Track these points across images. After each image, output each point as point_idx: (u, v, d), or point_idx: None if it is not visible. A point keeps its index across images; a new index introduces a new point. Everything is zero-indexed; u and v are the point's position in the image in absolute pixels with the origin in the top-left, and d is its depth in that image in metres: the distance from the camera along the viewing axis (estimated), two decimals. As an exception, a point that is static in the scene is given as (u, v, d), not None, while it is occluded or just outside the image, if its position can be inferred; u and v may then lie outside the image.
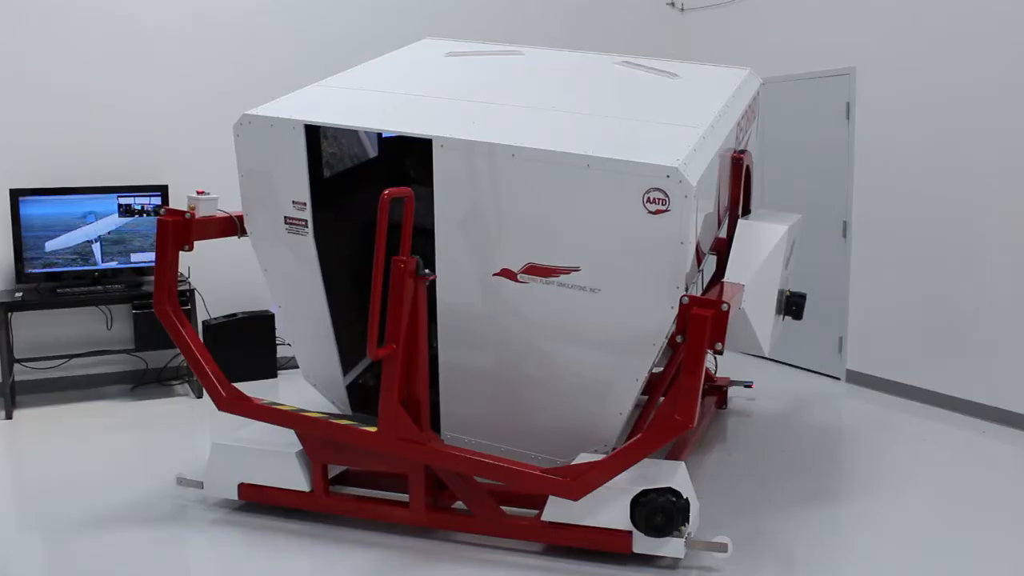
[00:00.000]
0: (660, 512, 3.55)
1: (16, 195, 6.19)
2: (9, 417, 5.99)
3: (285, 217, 4.30)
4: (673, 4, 8.22)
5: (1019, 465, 4.84)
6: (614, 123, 4.06)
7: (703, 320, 3.38)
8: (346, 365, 4.76)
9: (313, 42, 7.16)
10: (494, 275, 3.92)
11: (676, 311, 3.60)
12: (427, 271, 3.78)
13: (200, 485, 4.43)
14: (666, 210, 3.55)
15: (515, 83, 4.65)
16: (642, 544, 3.62)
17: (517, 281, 3.88)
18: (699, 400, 3.44)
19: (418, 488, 3.95)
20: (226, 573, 3.72)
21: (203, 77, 6.86)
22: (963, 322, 5.76)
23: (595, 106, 4.33)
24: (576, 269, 3.77)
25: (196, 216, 4.32)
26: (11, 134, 6.37)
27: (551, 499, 3.73)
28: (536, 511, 3.85)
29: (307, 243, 4.32)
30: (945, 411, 5.86)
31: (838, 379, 6.71)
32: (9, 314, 6.19)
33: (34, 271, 6.27)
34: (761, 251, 4.27)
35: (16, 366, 6.41)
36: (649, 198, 3.56)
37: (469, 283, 3.98)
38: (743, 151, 4.80)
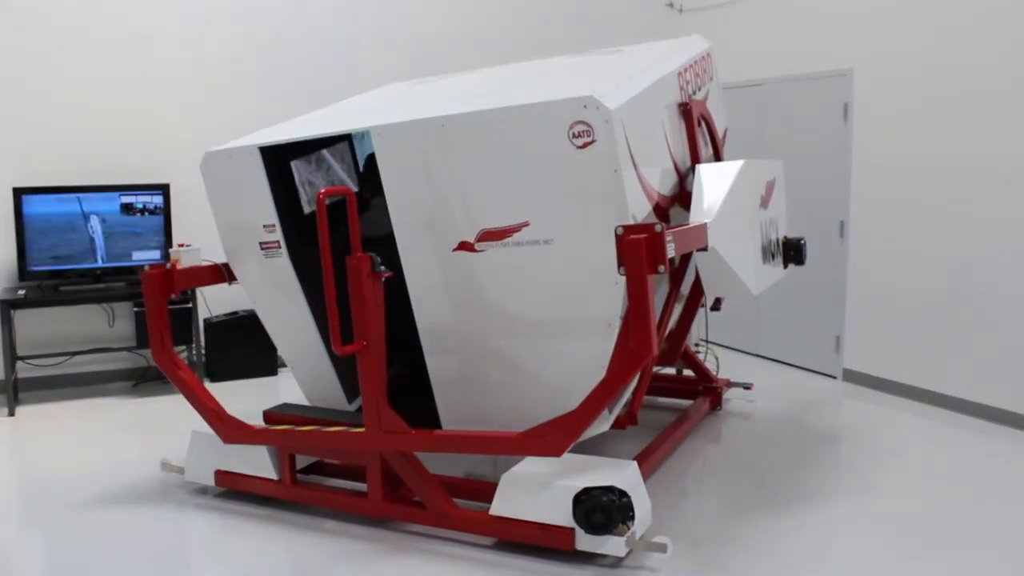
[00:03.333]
0: (599, 510, 3.56)
1: (19, 193, 6.23)
2: (12, 414, 6.04)
3: (260, 243, 4.47)
4: (672, 5, 8.24)
5: (1016, 465, 4.85)
6: (539, 87, 4.16)
7: (638, 244, 3.36)
8: (351, 392, 4.82)
9: (313, 40, 7.19)
10: (454, 251, 3.96)
11: None
12: (382, 268, 3.85)
13: (182, 471, 4.62)
14: (592, 141, 3.58)
15: (457, 85, 4.84)
16: (584, 542, 3.64)
17: (475, 251, 3.92)
18: (654, 326, 3.41)
19: (375, 479, 4.09)
20: (202, 558, 3.85)
21: (205, 76, 6.89)
22: (960, 321, 5.78)
23: (525, 81, 4.48)
24: (525, 224, 3.79)
25: (178, 267, 4.59)
26: (14, 133, 6.42)
27: (498, 493, 3.79)
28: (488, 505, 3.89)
29: (284, 264, 4.46)
30: (942, 410, 5.86)
31: (835, 378, 6.73)
32: (12, 311, 6.24)
33: (37, 268, 6.31)
34: (720, 188, 4.22)
35: (19, 363, 6.45)
36: (574, 132, 3.60)
37: (433, 266, 4.04)
38: (691, 100, 4.79)
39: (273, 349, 6.95)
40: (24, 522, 4.24)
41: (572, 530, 3.65)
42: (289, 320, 4.64)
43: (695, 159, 4.75)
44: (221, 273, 4.76)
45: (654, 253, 3.40)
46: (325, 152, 5.20)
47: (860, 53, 6.37)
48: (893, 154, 6.17)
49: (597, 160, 3.60)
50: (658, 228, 3.40)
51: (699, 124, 4.82)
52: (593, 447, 5.14)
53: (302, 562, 3.79)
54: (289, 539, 4.01)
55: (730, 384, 6.14)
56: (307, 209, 4.82)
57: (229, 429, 4.38)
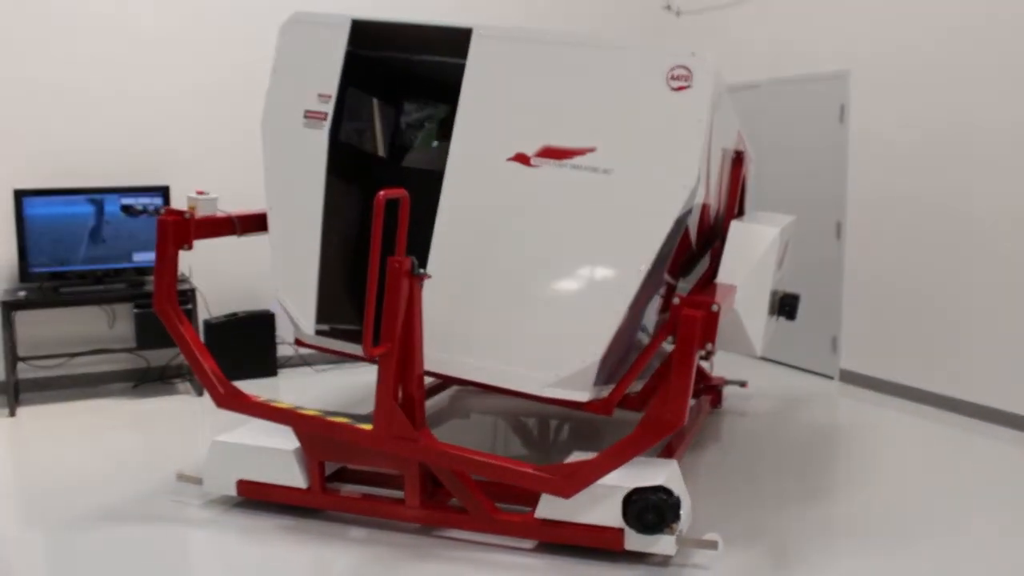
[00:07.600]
0: (651, 510, 3.60)
1: (20, 195, 6.25)
2: (12, 415, 6.04)
3: (306, 111, 4.48)
4: (669, 7, 8.27)
5: (1012, 464, 4.87)
6: None
7: (693, 321, 3.44)
8: (323, 311, 4.69)
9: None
10: (508, 160, 4.01)
11: (687, 192, 3.71)
12: (422, 271, 3.84)
13: (199, 482, 4.48)
14: (688, 86, 3.76)
15: None
16: (634, 541, 3.67)
17: (530, 165, 3.98)
18: (689, 399, 3.49)
19: (413, 485, 4.00)
20: (223, 569, 3.75)
21: (206, 79, 6.90)
22: (956, 322, 5.81)
23: None
24: (591, 150, 3.89)
25: (196, 216, 4.43)
26: (15, 135, 6.42)
27: (544, 496, 3.79)
28: (530, 508, 3.88)
29: (321, 137, 4.45)
30: (938, 410, 5.89)
31: (832, 378, 6.75)
32: (13, 313, 6.25)
33: (37, 270, 6.33)
34: (754, 253, 4.34)
35: (19, 364, 6.47)
36: (673, 75, 3.78)
37: (482, 170, 4.06)
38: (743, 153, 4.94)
39: (273, 350, 6.97)
40: (26, 526, 4.20)
41: (621, 530, 3.68)
42: (297, 203, 4.54)
43: (730, 213, 4.83)
44: (234, 225, 4.66)
45: (706, 332, 3.49)
46: (375, 102, 5.14)
47: (857, 55, 6.40)
48: (889, 156, 6.20)
49: (687, 105, 3.76)
50: (714, 308, 3.50)
51: (741, 189, 4.91)
52: (604, 447, 5.14)
53: (332, 573, 3.70)
54: (314, 549, 3.89)
55: (725, 382, 6.16)
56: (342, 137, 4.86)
57: (225, 395, 4.24)
